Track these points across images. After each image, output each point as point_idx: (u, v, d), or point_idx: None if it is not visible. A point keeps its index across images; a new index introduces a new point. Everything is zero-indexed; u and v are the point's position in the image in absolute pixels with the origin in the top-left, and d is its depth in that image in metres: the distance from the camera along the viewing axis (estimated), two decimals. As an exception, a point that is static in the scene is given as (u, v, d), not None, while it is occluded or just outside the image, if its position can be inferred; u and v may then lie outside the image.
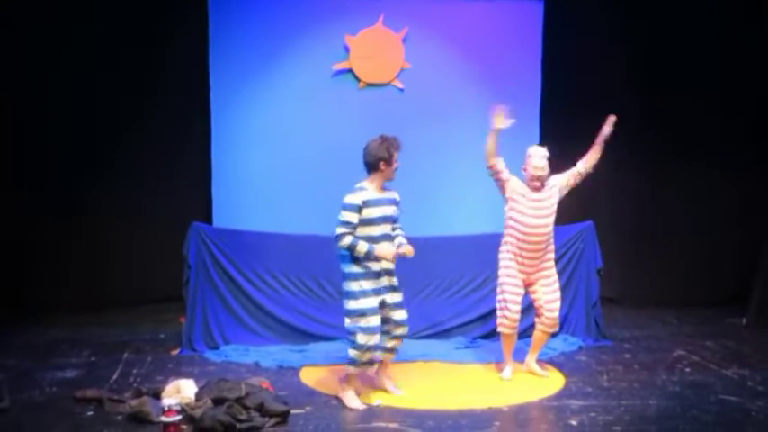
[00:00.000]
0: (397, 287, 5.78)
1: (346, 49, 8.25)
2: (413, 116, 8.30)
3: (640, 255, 9.29)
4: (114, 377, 6.26)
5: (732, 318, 8.50)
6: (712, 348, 7.35)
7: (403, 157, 8.35)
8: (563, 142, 8.88)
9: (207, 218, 8.16)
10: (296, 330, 7.28)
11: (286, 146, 8.28)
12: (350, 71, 8.31)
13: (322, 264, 7.31)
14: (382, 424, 5.24)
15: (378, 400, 5.73)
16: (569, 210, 8.44)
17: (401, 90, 8.35)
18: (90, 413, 5.40)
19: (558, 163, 8.86)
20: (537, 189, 6.43)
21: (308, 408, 5.55)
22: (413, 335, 7.34)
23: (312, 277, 7.38)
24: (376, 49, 8.26)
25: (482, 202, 8.32)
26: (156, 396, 5.48)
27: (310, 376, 6.36)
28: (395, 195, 6.00)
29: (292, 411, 5.36)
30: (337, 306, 7.30)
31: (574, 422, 5.30)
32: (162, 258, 8.32)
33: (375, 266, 5.60)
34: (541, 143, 8.57)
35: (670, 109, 9.16)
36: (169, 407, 4.86)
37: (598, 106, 9.06)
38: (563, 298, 7.50)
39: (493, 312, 7.44)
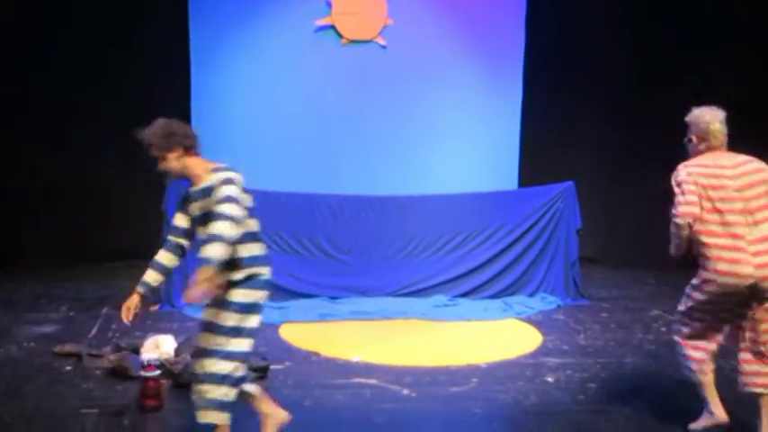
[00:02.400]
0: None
1: (328, 5, 8.15)
2: (395, 73, 8.25)
3: (620, 215, 9.33)
4: (93, 332, 6.25)
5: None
6: None
7: (385, 114, 8.37)
8: (547, 99, 8.89)
9: (187, 174, 8.09)
10: (275, 287, 7.20)
11: (267, 103, 8.20)
12: (332, 27, 8.22)
13: (302, 221, 7.30)
14: (361, 380, 5.28)
15: (357, 356, 5.76)
16: (550, 170, 8.48)
17: (384, 47, 8.27)
18: (68, 368, 5.40)
19: (545, 120, 8.90)
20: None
21: (287, 363, 5.57)
22: (393, 292, 7.39)
23: (292, 234, 7.36)
24: (358, 5, 8.16)
25: (465, 160, 8.32)
26: (135, 351, 5.47)
27: (290, 333, 6.38)
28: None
29: (271, 367, 5.38)
30: (316, 263, 7.34)
31: (550, 379, 5.36)
32: (141, 214, 8.26)
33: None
34: (524, 98, 8.58)
35: (656, 68, 9.11)
36: (148, 362, 4.85)
37: (584, 62, 9.07)
38: (542, 259, 7.59)
39: (472, 271, 7.52)
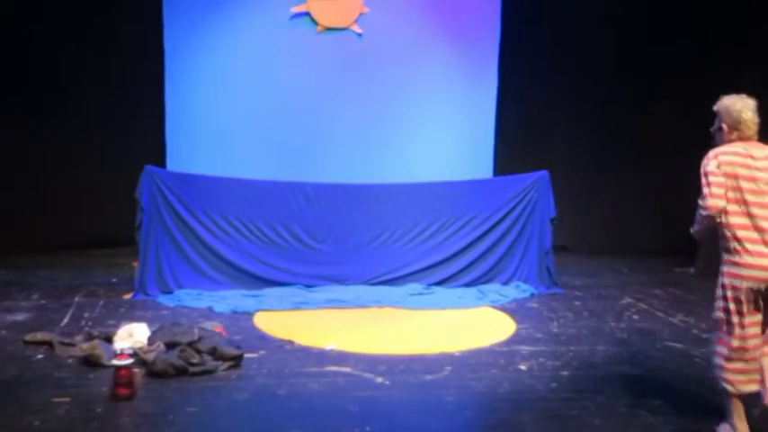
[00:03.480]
0: None
1: (304, -8, 8.12)
2: (371, 61, 8.24)
3: (594, 205, 9.40)
4: (65, 321, 6.20)
5: (681, 267, 8.68)
6: (660, 296, 7.52)
7: (361, 102, 8.36)
8: (523, 88, 8.92)
9: (160, 161, 8.05)
10: (250, 275, 7.26)
11: (242, 89, 8.16)
12: (308, 14, 8.19)
13: (277, 209, 7.29)
14: (335, 368, 5.28)
15: (331, 344, 5.76)
16: (525, 158, 8.52)
17: (359, 35, 8.26)
18: (40, 356, 5.35)
19: (520, 109, 8.93)
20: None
21: (261, 352, 5.56)
22: (368, 281, 7.40)
23: (267, 222, 7.34)
24: (334, -7, 8.13)
25: (441, 148, 8.34)
26: (108, 340, 5.44)
27: (264, 321, 6.37)
28: None
29: (245, 355, 5.37)
30: (291, 251, 7.33)
31: (523, 367, 5.40)
32: (115, 202, 8.20)
33: None
34: (500, 87, 8.60)
35: (631, 57, 9.16)
36: (121, 350, 4.83)
37: (559, 50, 9.10)
38: (517, 247, 7.63)
39: (447, 260, 7.55)
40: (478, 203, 7.59)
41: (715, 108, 4.32)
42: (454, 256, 7.55)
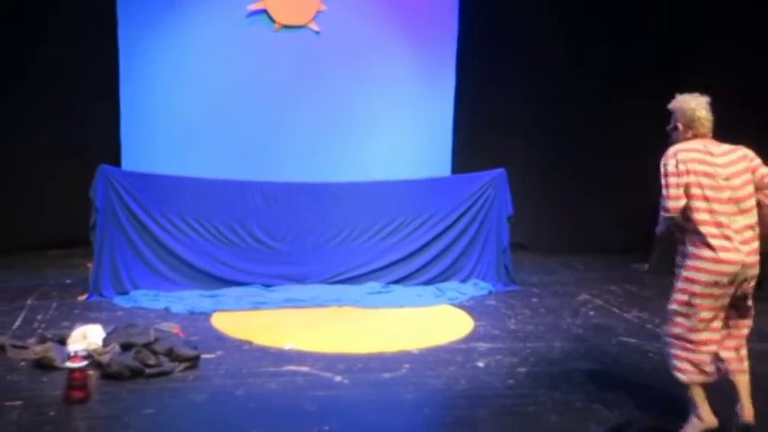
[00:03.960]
0: None
1: (261, -11, 8.07)
2: (328, 59, 8.21)
3: (551, 202, 9.49)
4: (17, 323, 6.09)
5: (637, 264, 8.80)
6: (616, 293, 7.62)
7: (318, 101, 8.34)
8: (480, 86, 8.97)
9: (116, 160, 7.94)
10: (208, 275, 7.20)
11: (198, 87, 8.09)
12: (265, 12, 8.14)
13: (235, 208, 7.24)
14: (293, 367, 5.27)
15: (289, 343, 5.74)
16: (482, 157, 8.58)
17: (317, 32, 8.23)
18: (-9, 360, 5.26)
19: (478, 107, 8.98)
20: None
21: (218, 352, 5.52)
22: (326, 280, 7.39)
23: (225, 222, 7.28)
24: (292, -10, 8.09)
25: (399, 147, 8.35)
26: (62, 342, 5.36)
27: (222, 321, 6.32)
28: None
29: (203, 356, 5.33)
30: (249, 251, 7.28)
31: (481, 364, 5.43)
32: (68, 202, 8.08)
33: None
34: (457, 85, 8.64)
35: (588, 52, 9.23)
36: (75, 352, 4.75)
37: (516, 48, 9.16)
38: (475, 245, 7.67)
39: (406, 258, 7.56)
40: (437, 202, 7.62)
41: (670, 107, 4.40)
42: (413, 254, 7.56)
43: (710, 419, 4.25)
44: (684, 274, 4.16)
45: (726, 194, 4.12)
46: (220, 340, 5.83)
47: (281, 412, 4.54)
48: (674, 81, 8.75)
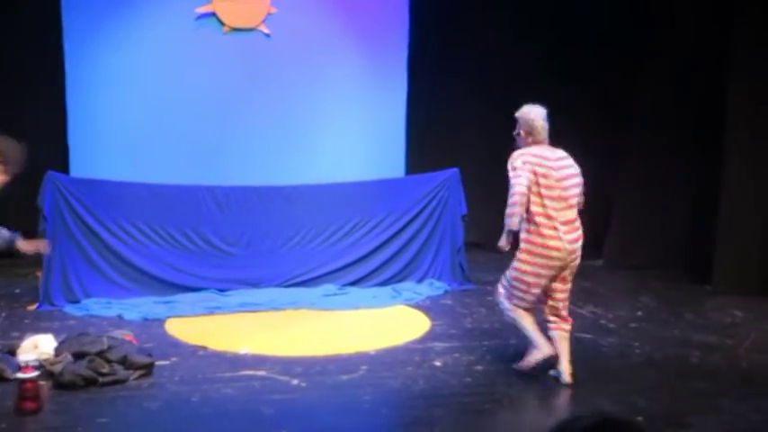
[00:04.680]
0: None
1: (210, -8, 7.99)
2: (279, 62, 8.17)
3: (504, 201, 9.52)
4: (-35, 335, 5.95)
5: (590, 260, 8.88)
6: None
7: (270, 103, 8.29)
8: (432, 87, 9.00)
9: (63, 166, 7.79)
10: (161, 282, 7.11)
11: (146, 91, 7.97)
12: (213, 15, 8.06)
13: (187, 213, 7.16)
14: (250, 372, 5.24)
15: (245, 348, 5.70)
16: (436, 157, 8.61)
17: (267, 35, 8.18)
18: (-62, 373, 5.12)
19: (430, 108, 9.01)
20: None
21: (173, 359, 5.47)
22: (282, 283, 7.35)
23: (177, 227, 7.20)
24: (241, -7, 8.02)
25: (352, 149, 8.34)
26: (12, 353, 5.26)
27: (176, 327, 6.26)
28: None
29: (157, 363, 5.27)
30: (203, 256, 7.21)
31: (438, 363, 5.46)
32: (15, 209, 7.89)
33: None
34: (409, 87, 8.65)
35: (539, 51, 9.27)
36: (26, 363, 4.67)
37: (468, 47, 9.20)
38: (429, 245, 7.70)
39: (361, 259, 7.57)
40: (391, 202, 7.63)
41: (516, 115, 5.31)
42: (368, 255, 7.56)
43: (547, 348, 5.11)
44: (521, 256, 5.14)
45: (556, 192, 5.03)
46: (175, 346, 5.77)
47: (237, 417, 4.52)
48: (628, 77, 8.99)
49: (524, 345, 5.90)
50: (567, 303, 5.27)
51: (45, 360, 5.06)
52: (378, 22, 8.46)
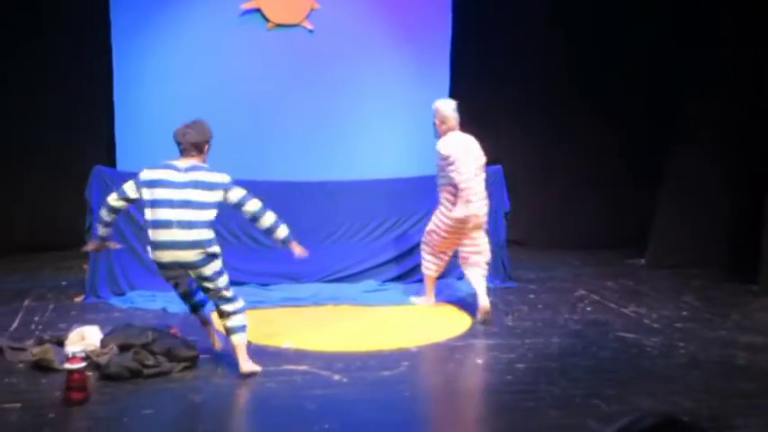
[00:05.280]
0: None
1: (254, -12, 8.03)
2: (322, 58, 8.19)
3: (547, 199, 9.49)
4: (14, 325, 6.07)
5: (632, 259, 8.81)
6: (612, 288, 7.63)
7: (312, 99, 8.32)
8: (474, 83, 8.96)
9: (110, 161, 7.91)
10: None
11: (192, 87, 8.03)
12: (258, 11, 8.11)
13: (229, 208, 7.20)
14: (292, 366, 5.26)
15: (287, 342, 5.74)
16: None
17: (311, 31, 8.21)
18: (-11, 362, 5.24)
19: (472, 104, 8.97)
20: None
21: (216, 352, 5.51)
22: (323, 278, 7.39)
23: (221, 221, 7.21)
24: (285, -11, 8.06)
25: (394, 144, 8.33)
26: (60, 344, 5.34)
27: (219, 321, 6.28)
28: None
29: (201, 356, 5.32)
30: (246, 250, 7.27)
31: (479, 361, 5.45)
32: (63, 203, 8.05)
33: None
34: (452, 84, 8.64)
35: (583, 52, 9.24)
36: (73, 354, 4.73)
37: (511, 46, 9.16)
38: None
39: (402, 255, 7.57)
40: (432, 199, 7.60)
41: (433, 106, 6.66)
42: (409, 251, 7.55)
43: (431, 301, 6.82)
44: (442, 218, 6.45)
45: (473, 168, 6.26)
46: (218, 340, 5.81)
47: (280, 412, 4.55)
48: (673, 77, 8.89)
49: (568, 343, 5.88)
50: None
51: (91, 351, 5.13)
52: (421, 20, 8.43)
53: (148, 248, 5.16)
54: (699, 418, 4.48)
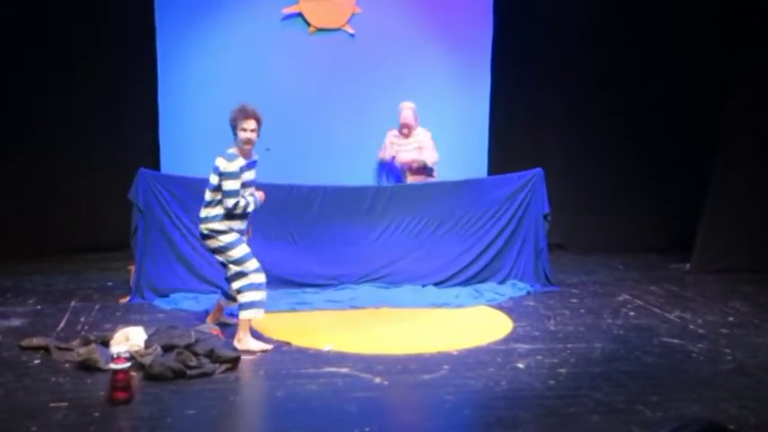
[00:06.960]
0: None
1: (296, -7, 8.10)
2: (363, 62, 8.23)
3: (588, 202, 9.41)
4: (61, 325, 6.18)
5: (676, 263, 8.69)
6: (656, 293, 7.53)
7: (353, 103, 8.36)
8: (516, 86, 8.94)
9: (154, 164, 8.03)
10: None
11: (234, 91, 8.10)
12: (300, 15, 8.18)
13: (272, 210, 7.25)
14: (332, 369, 5.28)
15: (328, 345, 5.75)
16: (518, 157, 8.54)
17: (352, 35, 8.25)
18: (37, 362, 5.33)
19: (513, 108, 8.96)
20: (406, 136, 7.87)
21: (258, 354, 5.56)
22: (363, 281, 7.39)
23: (261, 223, 7.28)
24: (326, -7, 8.11)
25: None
26: (105, 344, 5.42)
27: (261, 323, 6.33)
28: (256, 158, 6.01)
29: (243, 357, 5.36)
30: (287, 252, 7.30)
31: (521, 365, 5.40)
32: (109, 205, 8.18)
33: (240, 223, 5.77)
34: (493, 87, 8.63)
35: (622, 56, 9.19)
36: (118, 354, 4.80)
37: (550, 51, 9.12)
38: (512, 246, 7.63)
39: (443, 259, 7.54)
40: (473, 203, 7.58)
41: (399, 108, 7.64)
42: (450, 255, 7.53)
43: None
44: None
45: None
46: (260, 341, 5.86)
47: (321, 414, 4.55)
48: (721, 80, 8.76)
49: (611, 348, 5.81)
50: None
51: (135, 352, 5.20)
52: (462, 23, 8.44)
53: None
54: (745, 426, 4.40)
